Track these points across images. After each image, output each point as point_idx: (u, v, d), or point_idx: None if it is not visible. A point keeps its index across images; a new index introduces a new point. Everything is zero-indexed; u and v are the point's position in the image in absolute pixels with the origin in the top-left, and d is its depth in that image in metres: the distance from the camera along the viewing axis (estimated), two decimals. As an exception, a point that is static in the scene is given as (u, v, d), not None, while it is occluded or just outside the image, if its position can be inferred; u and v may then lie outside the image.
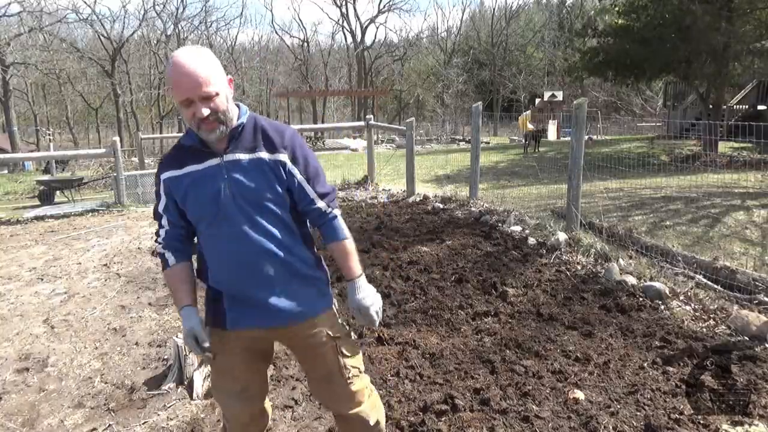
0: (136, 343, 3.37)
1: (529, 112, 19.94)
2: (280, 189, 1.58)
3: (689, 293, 3.58)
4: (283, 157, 1.57)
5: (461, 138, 27.21)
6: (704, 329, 3.15)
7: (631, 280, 3.82)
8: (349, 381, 1.71)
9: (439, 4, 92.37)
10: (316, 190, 1.63)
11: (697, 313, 3.35)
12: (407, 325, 3.33)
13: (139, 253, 5.49)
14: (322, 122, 40.81)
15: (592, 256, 4.41)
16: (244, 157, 1.56)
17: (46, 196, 10.23)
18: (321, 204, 1.64)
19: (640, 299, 3.55)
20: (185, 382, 2.79)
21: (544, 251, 4.63)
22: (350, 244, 1.70)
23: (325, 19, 73.79)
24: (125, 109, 35.15)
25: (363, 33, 43.46)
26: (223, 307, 1.64)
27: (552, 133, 24.39)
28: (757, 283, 3.67)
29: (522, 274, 4.10)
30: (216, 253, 1.61)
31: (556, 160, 12.61)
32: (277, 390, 2.70)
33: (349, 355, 1.72)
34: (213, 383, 1.83)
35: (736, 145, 15.50)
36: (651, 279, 3.84)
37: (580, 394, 2.46)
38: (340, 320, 1.76)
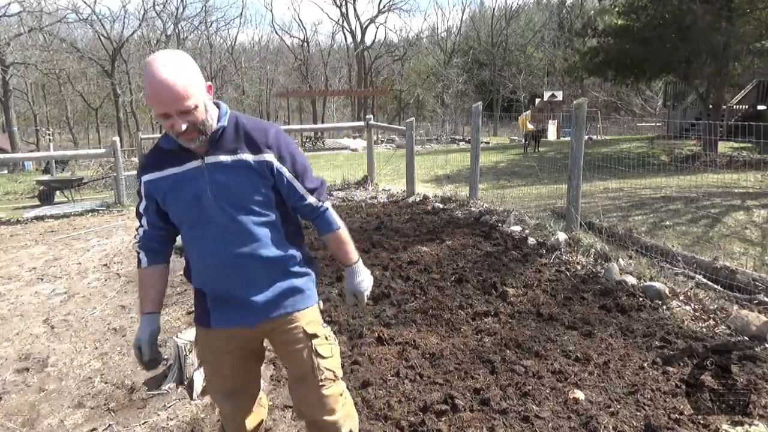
0: (136, 343, 3.36)
1: (529, 112, 19.95)
2: (265, 190, 1.57)
3: (689, 293, 3.58)
4: (270, 156, 1.56)
5: (461, 138, 27.22)
6: (704, 329, 3.15)
7: (631, 280, 3.82)
8: (321, 383, 1.66)
9: (439, 4, 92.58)
10: (306, 186, 1.63)
11: (697, 313, 3.35)
12: (407, 325, 3.33)
13: (139, 253, 5.49)
14: (322, 122, 40.83)
15: (592, 256, 4.41)
16: (225, 158, 1.54)
17: (46, 196, 10.23)
18: (312, 199, 1.64)
19: (640, 299, 3.55)
20: (185, 382, 2.79)
21: (544, 251, 4.63)
22: (344, 233, 1.73)
23: (325, 19, 73.97)
24: (125, 109, 35.17)
25: (363, 33, 43.52)
26: (207, 306, 1.65)
27: (552, 133, 24.40)
28: (757, 283, 3.67)
29: (522, 274, 4.10)
30: (199, 255, 1.61)
31: (556, 160, 12.61)
32: (277, 390, 2.70)
33: (324, 356, 1.68)
34: (206, 382, 1.85)
35: (736, 145, 15.50)
36: (651, 279, 3.84)
37: (580, 394, 2.46)
38: (321, 320, 1.74)
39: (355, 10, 49.01)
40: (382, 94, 38.86)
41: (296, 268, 1.67)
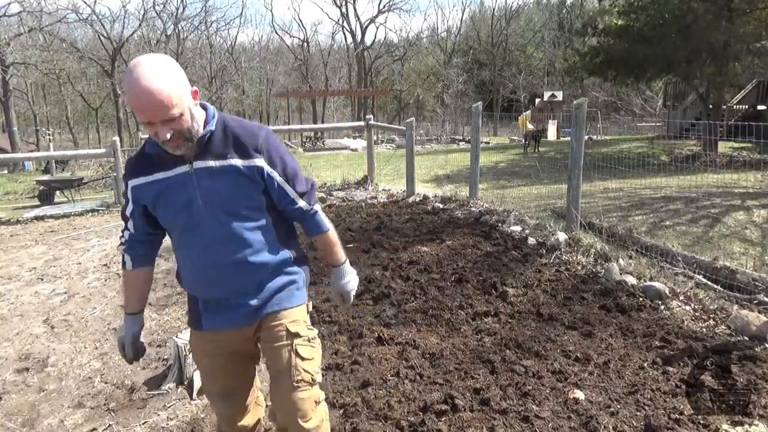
0: (136, 343, 3.36)
1: (529, 112, 19.95)
2: (255, 194, 1.55)
3: (689, 293, 3.58)
4: (260, 161, 1.53)
5: (461, 138, 27.23)
6: (704, 329, 3.15)
7: (631, 280, 3.82)
8: (296, 384, 1.60)
9: (439, 4, 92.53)
10: (296, 189, 1.62)
11: (697, 313, 3.35)
12: (407, 325, 3.33)
13: (139, 253, 5.48)
14: (322, 122, 40.84)
15: (592, 256, 4.41)
16: (214, 164, 1.51)
17: (46, 196, 10.22)
18: (302, 203, 1.64)
19: (640, 299, 3.55)
20: (185, 382, 2.79)
21: (544, 251, 4.63)
22: (332, 235, 1.75)
23: (325, 19, 74.05)
24: (125, 109, 35.14)
25: (363, 33, 43.53)
26: (199, 310, 1.66)
27: (552, 133, 24.41)
28: (757, 283, 3.67)
29: (522, 274, 4.10)
30: (190, 260, 1.60)
31: (556, 160, 12.61)
32: (277, 390, 2.70)
33: (304, 357, 1.63)
34: (201, 383, 1.85)
35: (736, 145, 15.51)
36: (651, 279, 3.84)
37: (580, 394, 2.46)
38: (307, 321, 1.72)
39: (355, 10, 49.09)
40: (382, 94, 38.87)
41: (287, 269, 1.67)
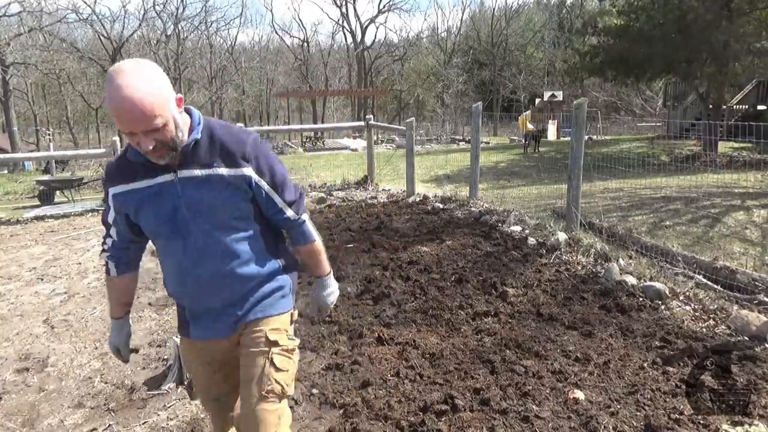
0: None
1: (529, 112, 19.96)
2: (243, 204, 1.50)
3: (689, 293, 3.58)
4: (248, 171, 1.47)
5: (461, 138, 27.22)
6: (704, 329, 3.15)
7: (631, 280, 3.82)
8: (265, 394, 1.53)
9: (439, 4, 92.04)
10: (284, 198, 1.57)
11: (697, 313, 3.35)
12: (407, 325, 3.33)
13: (139, 253, 5.49)
14: (322, 122, 40.84)
15: (592, 256, 4.41)
16: (200, 173, 1.45)
17: (46, 196, 10.21)
18: (290, 213, 1.59)
19: (640, 299, 3.55)
20: (185, 382, 2.78)
21: (544, 251, 4.63)
22: (319, 245, 1.70)
23: (325, 19, 73.95)
24: (125, 109, 35.08)
25: (363, 33, 43.52)
26: (187, 319, 1.64)
27: (552, 133, 24.41)
28: (757, 283, 3.67)
29: (522, 274, 4.10)
30: (174, 270, 1.55)
31: (556, 160, 12.61)
32: (277, 390, 2.70)
33: (278, 367, 1.57)
34: (194, 385, 1.85)
35: (736, 145, 15.51)
36: (651, 279, 3.84)
37: (580, 394, 2.46)
38: (289, 330, 1.66)
39: (355, 10, 49.09)
40: (382, 94, 38.88)
41: (274, 278, 1.62)
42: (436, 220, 6.05)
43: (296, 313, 1.74)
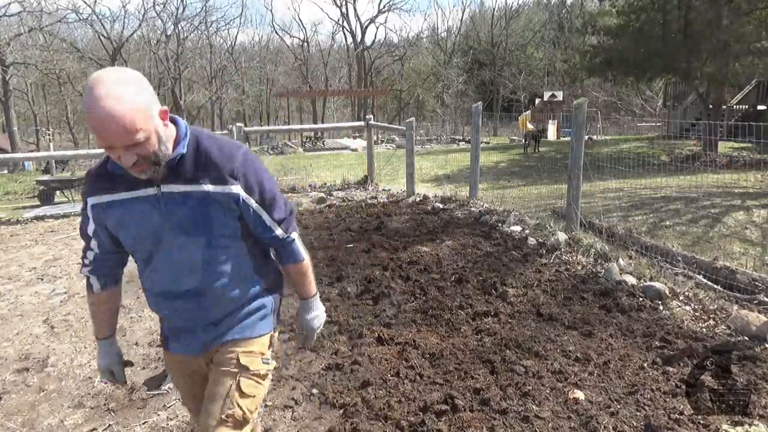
0: (136, 343, 3.37)
1: (529, 112, 19.98)
2: (229, 221, 1.43)
3: (689, 293, 3.58)
4: (236, 188, 1.40)
5: (461, 138, 27.23)
6: (704, 329, 3.15)
7: (631, 280, 3.82)
8: (224, 418, 1.46)
9: (439, 4, 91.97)
10: (274, 217, 1.50)
11: (697, 313, 3.35)
12: (407, 325, 3.33)
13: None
14: (322, 122, 40.83)
15: (592, 256, 4.41)
16: (185, 188, 1.37)
17: (46, 196, 10.22)
18: (279, 231, 1.52)
19: (640, 299, 3.55)
20: (185, 382, 2.78)
21: (544, 251, 4.63)
22: (306, 265, 1.63)
23: (325, 19, 73.89)
24: (125, 109, 35.08)
25: (363, 33, 43.52)
26: (166, 333, 1.61)
27: (552, 133, 24.42)
28: (757, 283, 3.67)
29: (522, 274, 4.10)
30: (153, 286, 1.49)
31: (556, 160, 12.61)
32: (277, 390, 2.70)
33: (244, 393, 1.50)
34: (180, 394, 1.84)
35: (736, 145, 15.50)
36: (651, 279, 3.84)
37: (580, 394, 2.46)
38: (265, 353, 1.58)
39: (355, 10, 49.14)
40: (382, 94, 38.89)
41: (256, 298, 1.57)
42: (436, 220, 6.05)
43: (276, 334, 1.66)
